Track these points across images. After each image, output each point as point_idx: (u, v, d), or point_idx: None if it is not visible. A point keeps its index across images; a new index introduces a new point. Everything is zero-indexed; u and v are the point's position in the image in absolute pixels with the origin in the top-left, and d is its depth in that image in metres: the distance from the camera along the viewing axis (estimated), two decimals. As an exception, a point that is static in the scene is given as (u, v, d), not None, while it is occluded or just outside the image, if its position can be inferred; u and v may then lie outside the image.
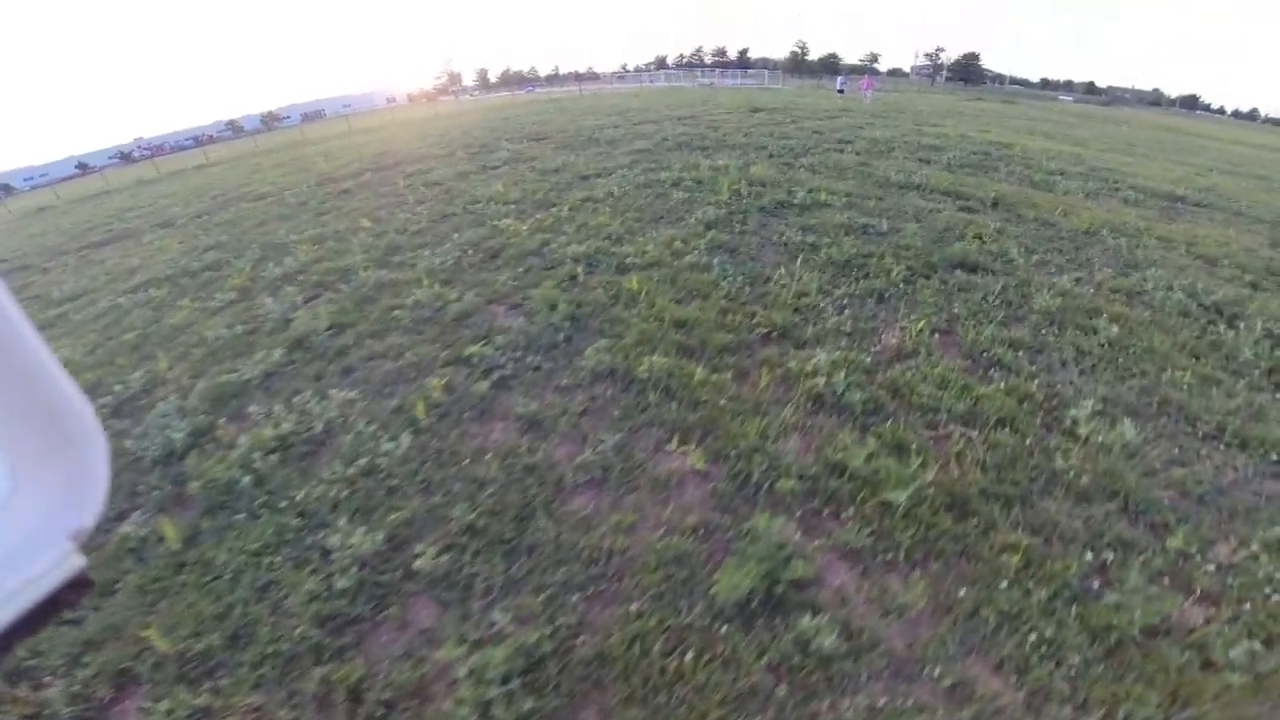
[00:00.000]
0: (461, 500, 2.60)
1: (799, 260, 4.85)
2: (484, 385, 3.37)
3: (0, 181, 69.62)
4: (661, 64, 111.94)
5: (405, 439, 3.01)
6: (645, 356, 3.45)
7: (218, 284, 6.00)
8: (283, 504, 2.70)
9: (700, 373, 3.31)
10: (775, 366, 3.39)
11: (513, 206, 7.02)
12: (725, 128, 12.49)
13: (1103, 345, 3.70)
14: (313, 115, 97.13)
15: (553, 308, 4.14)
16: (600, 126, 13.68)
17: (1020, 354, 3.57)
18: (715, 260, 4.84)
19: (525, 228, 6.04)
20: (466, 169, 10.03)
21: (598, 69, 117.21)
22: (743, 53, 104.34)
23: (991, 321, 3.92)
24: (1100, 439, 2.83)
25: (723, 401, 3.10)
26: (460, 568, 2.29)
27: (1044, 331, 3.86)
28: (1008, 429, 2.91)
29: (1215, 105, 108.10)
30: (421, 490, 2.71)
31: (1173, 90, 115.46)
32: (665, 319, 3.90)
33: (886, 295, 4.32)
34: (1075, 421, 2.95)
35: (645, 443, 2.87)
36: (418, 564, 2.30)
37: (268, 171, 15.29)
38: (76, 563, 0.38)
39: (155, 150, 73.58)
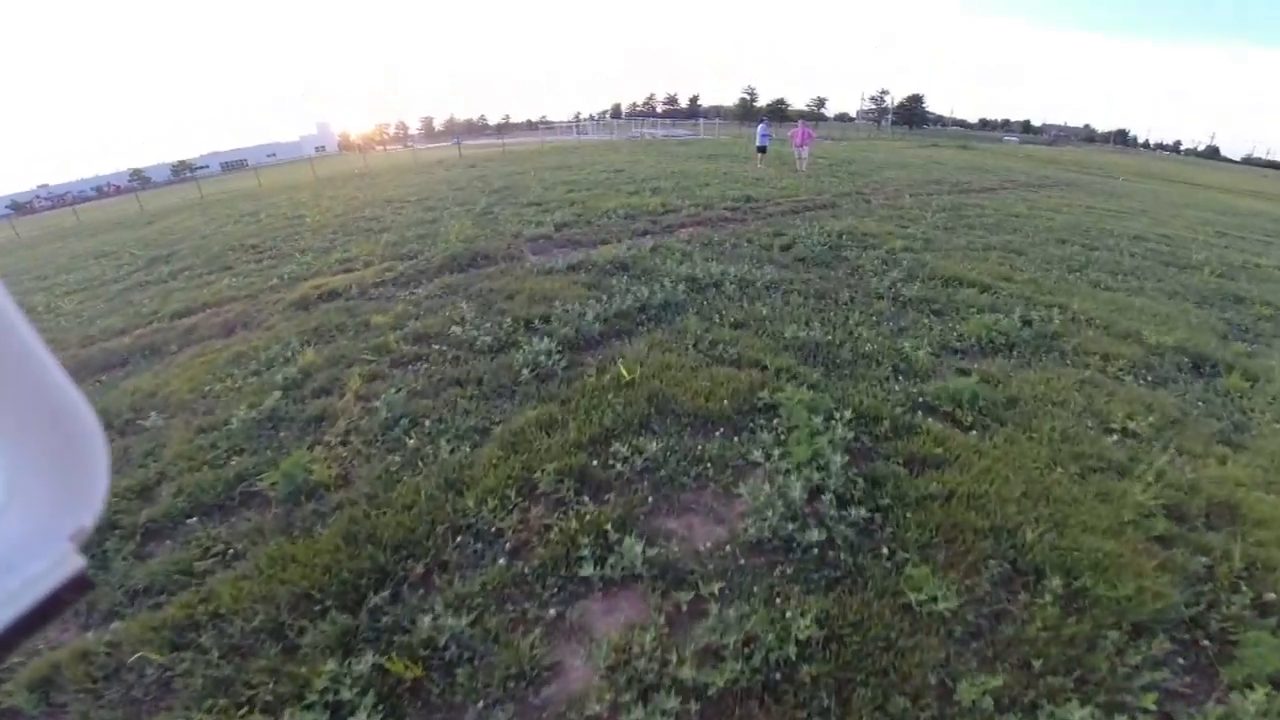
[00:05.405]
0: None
1: None
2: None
3: None
4: (616, 112, 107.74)
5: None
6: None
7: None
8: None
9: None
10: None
11: None
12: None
13: None
14: (234, 165, 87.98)
15: None
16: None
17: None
18: None
19: None
20: None
21: (553, 116, 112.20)
22: (693, 100, 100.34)
23: None
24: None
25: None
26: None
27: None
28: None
29: (1142, 139, 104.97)
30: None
31: (1102, 125, 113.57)
32: None
33: None
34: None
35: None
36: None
37: None
38: (76, 563, 0.38)
39: (57, 200, 63.27)
